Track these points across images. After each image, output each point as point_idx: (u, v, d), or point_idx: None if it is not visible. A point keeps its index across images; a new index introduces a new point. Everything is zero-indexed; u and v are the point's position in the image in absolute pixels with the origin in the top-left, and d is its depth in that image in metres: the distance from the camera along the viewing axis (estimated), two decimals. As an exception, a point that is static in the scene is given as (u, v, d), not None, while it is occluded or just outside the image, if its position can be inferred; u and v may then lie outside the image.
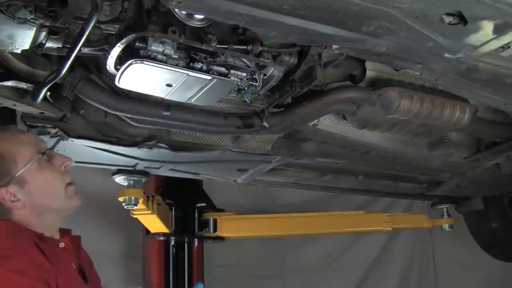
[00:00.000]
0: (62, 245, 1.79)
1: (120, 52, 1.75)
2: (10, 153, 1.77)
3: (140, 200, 3.28)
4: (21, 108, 2.06)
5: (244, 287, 4.86)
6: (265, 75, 2.04)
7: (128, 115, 2.17)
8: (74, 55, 1.70)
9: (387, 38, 1.73)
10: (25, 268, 1.58)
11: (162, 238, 4.01)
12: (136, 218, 3.60)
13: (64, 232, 1.89)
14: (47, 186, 1.80)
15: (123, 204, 3.25)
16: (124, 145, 2.40)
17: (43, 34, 1.71)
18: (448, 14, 1.57)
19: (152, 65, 1.74)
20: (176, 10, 1.69)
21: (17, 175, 1.75)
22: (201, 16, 1.72)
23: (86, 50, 1.81)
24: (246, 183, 3.19)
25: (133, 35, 1.70)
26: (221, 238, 4.16)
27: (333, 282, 5.25)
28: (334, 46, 1.94)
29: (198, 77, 1.83)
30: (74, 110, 2.19)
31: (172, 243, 4.07)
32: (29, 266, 1.59)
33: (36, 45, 1.74)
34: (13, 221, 1.75)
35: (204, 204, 4.16)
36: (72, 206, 1.87)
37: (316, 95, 2.23)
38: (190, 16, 1.71)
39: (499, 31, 1.63)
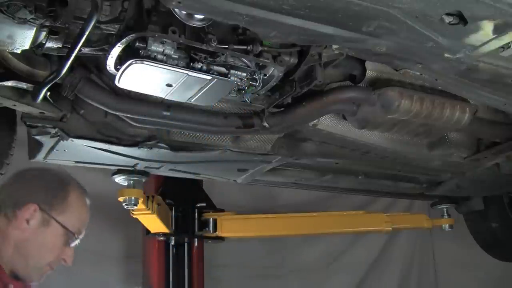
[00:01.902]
0: (11, 287, 1.76)
1: (120, 52, 1.75)
2: (71, 204, 1.83)
3: (140, 200, 3.28)
4: (21, 108, 2.06)
5: (244, 287, 4.86)
6: (265, 75, 2.04)
7: (128, 115, 2.17)
8: (74, 55, 1.70)
9: (387, 38, 1.73)
10: None
11: (162, 238, 4.01)
12: (136, 218, 3.60)
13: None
14: (45, 249, 1.79)
15: (123, 204, 3.25)
16: (124, 145, 2.40)
17: (43, 34, 1.71)
18: (448, 14, 1.57)
19: (152, 65, 1.74)
20: (177, 10, 1.69)
21: (53, 217, 1.78)
22: (201, 16, 1.72)
23: (86, 50, 1.81)
24: (246, 183, 3.19)
25: (133, 35, 1.70)
26: (221, 238, 4.16)
27: (333, 282, 5.25)
28: (334, 46, 1.94)
29: (198, 77, 1.83)
30: (74, 110, 2.19)
31: (172, 243, 4.07)
32: None
33: (36, 45, 1.74)
34: None
35: (204, 204, 4.16)
36: (32, 279, 1.82)
37: (316, 95, 2.23)
38: (190, 16, 1.71)
39: (499, 31, 1.63)
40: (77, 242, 1.86)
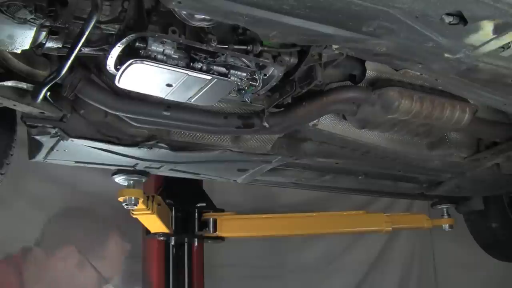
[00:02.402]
0: None
1: (120, 52, 1.75)
2: None
3: (140, 200, 3.27)
4: (21, 108, 2.06)
5: (244, 287, 4.86)
6: (265, 75, 2.04)
7: (128, 115, 2.17)
8: (74, 55, 1.70)
9: (387, 38, 1.73)
10: None
11: (162, 238, 4.01)
12: (136, 218, 3.60)
13: None
14: None
15: (123, 204, 3.25)
16: (124, 145, 2.40)
17: (43, 34, 1.71)
18: (448, 14, 1.57)
19: (152, 65, 1.74)
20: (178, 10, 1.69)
21: None
22: (204, 16, 1.72)
23: (86, 50, 1.81)
24: (246, 183, 3.19)
25: (133, 35, 1.70)
26: (221, 238, 4.15)
27: (333, 282, 5.25)
28: (334, 46, 1.94)
29: (198, 77, 1.83)
30: (74, 110, 2.19)
31: (172, 243, 4.07)
32: None
33: (36, 45, 1.74)
34: None
35: (204, 204, 4.16)
36: None
37: (316, 95, 2.23)
38: (194, 16, 1.71)
39: (499, 31, 1.63)
40: None
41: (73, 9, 1.69)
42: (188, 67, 1.80)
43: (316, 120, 2.46)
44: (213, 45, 1.79)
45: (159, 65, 1.75)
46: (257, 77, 2.00)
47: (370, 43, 1.76)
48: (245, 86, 2.01)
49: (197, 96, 1.94)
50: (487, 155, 2.93)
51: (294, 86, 2.13)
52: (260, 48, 1.91)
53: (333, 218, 4.26)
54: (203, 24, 1.75)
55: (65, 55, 1.76)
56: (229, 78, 1.89)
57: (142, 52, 1.73)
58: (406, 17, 1.58)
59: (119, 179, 3.13)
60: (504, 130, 2.78)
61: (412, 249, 5.56)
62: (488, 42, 1.69)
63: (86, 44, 1.74)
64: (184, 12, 1.69)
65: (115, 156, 2.50)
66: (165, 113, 2.14)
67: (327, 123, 2.52)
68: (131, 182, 3.15)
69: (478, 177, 3.22)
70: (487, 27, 1.62)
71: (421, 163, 2.99)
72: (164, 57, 1.75)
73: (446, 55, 1.80)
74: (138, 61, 1.72)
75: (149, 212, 3.47)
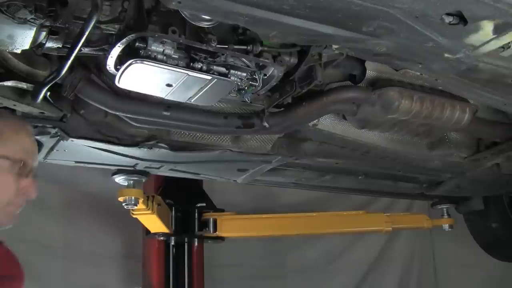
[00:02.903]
0: None
1: (120, 52, 1.75)
2: (7, 136, 1.63)
3: (140, 200, 3.28)
4: (21, 108, 2.06)
5: (244, 287, 4.86)
6: (265, 75, 2.04)
7: (128, 115, 2.17)
8: (74, 55, 1.70)
9: (387, 38, 1.73)
10: None
11: (162, 238, 4.01)
12: (136, 218, 3.60)
13: None
14: None
15: (123, 204, 3.26)
16: (124, 145, 2.40)
17: (43, 34, 1.71)
18: (448, 14, 1.57)
19: (152, 65, 1.74)
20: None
21: None
22: (207, 17, 1.72)
23: (86, 50, 1.81)
24: (246, 183, 3.19)
25: (133, 35, 1.70)
26: (221, 238, 4.16)
27: (333, 282, 5.25)
28: (334, 46, 1.94)
29: (198, 77, 1.83)
30: (74, 110, 2.19)
31: (172, 243, 4.07)
32: None
33: (36, 45, 1.74)
34: None
35: (204, 204, 4.16)
36: (4, 224, 1.63)
37: (316, 95, 2.23)
38: (196, 16, 1.71)
39: (499, 31, 1.63)
40: (31, 173, 1.67)
41: (73, 9, 1.69)
42: (188, 67, 1.80)
43: (316, 120, 2.46)
44: (213, 45, 1.79)
45: (159, 65, 1.75)
46: (257, 77, 2.00)
47: (370, 43, 1.76)
48: (245, 86, 2.01)
49: (197, 96, 1.94)
50: (487, 155, 2.93)
51: (294, 86, 2.13)
52: (260, 48, 1.91)
53: (333, 218, 4.27)
54: (209, 24, 1.75)
55: (65, 55, 1.76)
56: (229, 78, 1.89)
57: (142, 52, 1.72)
58: (406, 17, 1.58)
59: (119, 179, 3.13)
60: (504, 130, 2.78)
61: (412, 249, 5.56)
62: (488, 42, 1.69)
63: (86, 44, 1.74)
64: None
65: (115, 156, 2.50)
66: (165, 113, 2.14)
67: (327, 123, 2.52)
68: (131, 182, 3.15)
69: (478, 177, 3.22)
70: (487, 27, 1.62)
71: (421, 163, 2.99)
72: (164, 57, 1.75)
73: (446, 55, 1.80)
74: (138, 61, 1.72)
75: (149, 212, 3.47)
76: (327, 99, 2.23)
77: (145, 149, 2.45)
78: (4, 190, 1.61)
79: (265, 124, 2.30)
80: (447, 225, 4.27)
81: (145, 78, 1.80)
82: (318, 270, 5.20)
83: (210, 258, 4.43)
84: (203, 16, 1.72)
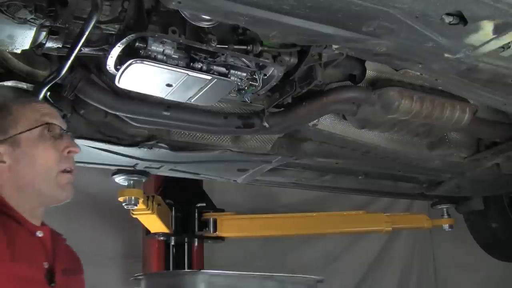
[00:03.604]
0: (39, 233, 1.57)
1: (120, 52, 1.75)
2: (17, 113, 1.60)
3: (140, 200, 3.28)
4: (21, 108, 2.06)
5: (244, 287, 4.85)
6: (265, 75, 2.04)
7: (128, 115, 2.17)
8: (74, 55, 1.70)
9: (387, 38, 1.73)
10: None
11: (162, 238, 4.01)
12: (136, 218, 3.60)
13: (52, 231, 1.67)
14: (38, 160, 1.58)
15: (123, 204, 3.26)
16: (124, 145, 2.40)
17: (43, 34, 1.71)
18: (448, 14, 1.57)
19: (152, 65, 1.74)
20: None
21: (13, 135, 1.57)
22: (208, 17, 1.72)
23: (86, 50, 1.81)
24: (246, 183, 3.19)
25: (133, 35, 1.70)
26: (221, 238, 4.16)
27: (333, 282, 5.24)
28: (334, 46, 1.94)
29: (198, 77, 1.83)
30: (74, 110, 2.19)
31: (172, 243, 4.07)
32: None
33: (36, 45, 1.74)
34: None
35: (204, 204, 4.16)
36: (59, 198, 1.62)
37: (316, 95, 2.23)
38: (197, 16, 1.71)
39: (499, 31, 1.63)
40: (59, 128, 1.64)
41: (73, 9, 1.69)
42: (188, 67, 1.80)
43: (316, 120, 2.46)
44: (213, 45, 1.79)
45: (159, 65, 1.75)
46: (257, 77, 2.00)
47: (370, 43, 1.76)
48: (245, 86, 2.01)
49: (197, 96, 1.94)
50: (487, 155, 2.93)
51: (294, 86, 2.13)
52: (260, 48, 1.91)
53: (333, 218, 4.26)
54: (209, 24, 1.75)
55: (65, 55, 1.76)
56: (229, 78, 1.89)
57: (142, 52, 1.72)
58: (406, 17, 1.58)
59: (119, 179, 3.13)
60: (504, 130, 2.78)
61: (412, 249, 5.55)
62: (488, 42, 1.69)
63: (86, 44, 1.74)
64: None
65: (115, 156, 2.50)
66: (165, 113, 2.14)
67: (327, 123, 2.52)
68: (131, 182, 3.15)
69: (478, 177, 3.22)
70: (487, 27, 1.62)
71: (421, 163, 2.99)
72: (164, 57, 1.75)
73: (446, 55, 1.80)
74: (138, 61, 1.72)
75: (149, 212, 3.47)
76: (327, 99, 2.23)
77: (145, 149, 2.44)
78: (47, 160, 1.58)
79: (265, 124, 2.30)
80: (447, 225, 4.27)
81: (145, 78, 1.80)
82: (318, 270, 5.19)
83: (210, 258, 4.42)
84: (203, 16, 1.72)
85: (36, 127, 1.59)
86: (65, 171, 1.61)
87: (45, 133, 1.60)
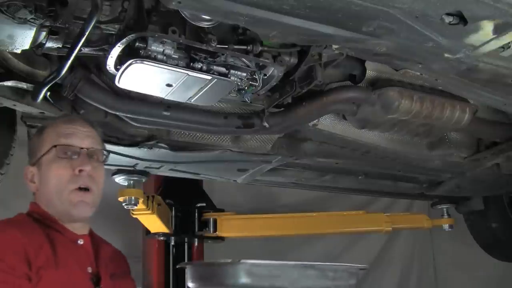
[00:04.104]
0: (80, 241, 1.70)
1: (120, 52, 1.75)
2: (45, 135, 1.75)
3: (140, 200, 3.28)
4: (21, 108, 2.06)
5: (244, 287, 4.85)
6: (265, 75, 2.04)
7: (128, 115, 2.17)
8: (74, 55, 1.70)
9: (387, 38, 1.73)
10: None
11: (162, 238, 4.01)
12: (136, 218, 3.60)
13: (96, 237, 1.81)
14: (51, 180, 1.71)
15: (123, 204, 3.26)
16: (124, 145, 2.40)
17: (43, 34, 1.71)
18: (448, 14, 1.57)
19: (152, 65, 1.74)
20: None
21: (38, 158, 1.73)
22: (207, 17, 1.72)
23: (86, 50, 1.81)
24: (246, 183, 3.19)
25: (133, 35, 1.70)
26: (221, 238, 4.16)
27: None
28: (334, 46, 1.94)
29: (198, 77, 1.83)
30: (74, 110, 2.19)
31: (172, 243, 4.07)
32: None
33: (36, 45, 1.74)
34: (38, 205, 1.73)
35: (204, 204, 4.15)
36: (72, 215, 1.71)
37: (316, 95, 2.23)
38: (197, 16, 1.71)
39: (499, 31, 1.63)
40: (78, 147, 1.74)
41: (73, 9, 1.69)
42: (188, 67, 1.80)
43: (316, 120, 2.46)
44: (213, 45, 1.79)
45: (159, 65, 1.75)
46: (257, 77, 2.00)
47: (370, 43, 1.76)
48: (245, 86, 2.01)
49: (197, 96, 1.94)
50: (487, 155, 2.93)
51: (294, 86, 2.12)
52: (260, 48, 1.91)
53: (333, 218, 4.26)
54: (209, 24, 1.75)
55: (65, 55, 1.76)
56: (229, 78, 1.89)
57: (142, 52, 1.72)
58: (406, 17, 1.58)
59: (119, 179, 3.13)
60: (504, 130, 2.78)
61: (412, 249, 5.55)
62: (488, 42, 1.69)
63: (86, 44, 1.74)
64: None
65: (115, 156, 2.50)
66: (165, 113, 2.14)
67: (327, 123, 2.52)
68: (131, 182, 3.15)
69: (478, 177, 3.21)
70: (487, 27, 1.62)
71: (421, 163, 2.99)
72: (164, 57, 1.75)
73: (446, 55, 1.80)
74: (138, 61, 1.72)
75: (149, 212, 3.47)
76: (327, 99, 2.23)
77: (145, 149, 2.45)
78: (59, 179, 1.70)
79: (265, 124, 2.30)
80: (447, 225, 4.27)
81: (145, 78, 1.80)
82: (318, 270, 5.19)
83: (210, 258, 4.42)
84: (203, 16, 1.72)
85: (48, 150, 1.72)
86: (78, 189, 1.71)
87: (60, 154, 1.72)
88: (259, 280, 1.66)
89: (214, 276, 1.78)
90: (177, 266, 2.27)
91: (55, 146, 1.72)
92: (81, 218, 1.73)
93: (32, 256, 1.54)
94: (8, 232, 1.59)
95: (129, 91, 1.97)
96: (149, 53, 1.73)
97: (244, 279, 1.65)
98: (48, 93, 1.97)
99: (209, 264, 2.05)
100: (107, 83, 2.04)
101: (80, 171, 1.71)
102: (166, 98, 1.96)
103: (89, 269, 1.67)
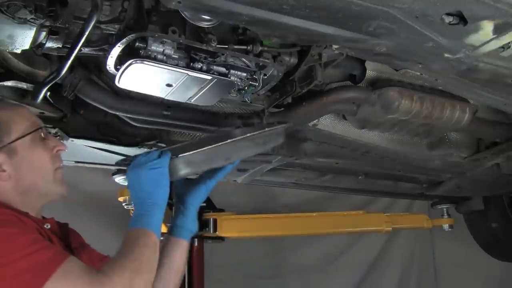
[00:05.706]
0: (47, 226, 1.68)
1: (120, 52, 1.75)
2: (6, 121, 1.64)
3: (140, 200, 3.26)
4: (21, 108, 2.06)
5: (244, 287, 4.86)
6: (265, 75, 2.03)
7: (128, 115, 2.17)
8: (74, 55, 1.70)
9: (387, 38, 1.73)
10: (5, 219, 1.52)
11: (162, 238, 4.00)
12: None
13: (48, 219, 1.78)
14: (36, 163, 1.65)
15: (123, 204, 3.26)
16: (124, 145, 2.40)
17: (43, 34, 1.71)
18: (448, 14, 1.57)
19: (152, 65, 1.74)
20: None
21: (8, 144, 1.61)
22: (207, 17, 1.72)
23: (86, 50, 1.81)
24: (246, 183, 3.19)
25: (133, 35, 1.70)
26: (221, 238, 4.15)
27: (333, 282, 5.25)
28: (334, 46, 1.94)
29: (198, 77, 1.83)
30: (74, 110, 2.19)
31: (172, 243, 4.06)
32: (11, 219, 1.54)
33: (36, 45, 1.74)
34: None
35: (204, 204, 4.15)
36: (57, 192, 1.71)
37: (316, 95, 2.23)
38: (197, 16, 1.71)
39: (499, 31, 1.63)
40: (44, 132, 1.72)
41: (73, 9, 1.69)
42: (188, 67, 1.80)
43: (316, 120, 2.46)
44: (213, 45, 1.79)
45: (159, 65, 1.74)
46: (257, 77, 2.00)
47: (370, 43, 1.76)
48: (245, 86, 2.01)
49: (197, 96, 1.94)
50: (487, 155, 2.93)
51: (294, 86, 2.12)
52: (260, 48, 1.90)
53: (333, 218, 4.27)
54: (209, 24, 1.75)
55: (65, 55, 1.76)
56: (229, 78, 1.89)
57: (142, 52, 1.72)
58: (406, 17, 1.58)
59: (119, 179, 3.13)
60: (504, 130, 2.78)
61: (412, 249, 5.56)
62: (488, 42, 1.69)
63: (86, 44, 1.74)
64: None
65: (115, 156, 2.50)
66: (165, 113, 2.14)
67: (327, 123, 2.52)
68: (131, 182, 3.14)
69: (478, 177, 3.21)
70: (487, 27, 1.62)
71: (421, 163, 2.99)
72: (164, 57, 1.75)
73: (446, 55, 1.80)
74: (138, 61, 1.72)
75: (149, 212, 3.46)
76: (327, 99, 2.23)
77: (145, 149, 2.44)
78: (44, 161, 1.68)
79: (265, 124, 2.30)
80: (447, 225, 4.28)
81: (145, 78, 1.80)
82: (318, 270, 5.20)
83: (210, 258, 4.42)
84: (203, 16, 1.72)
85: (31, 132, 1.66)
86: (58, 168, 1.72)
87: (36, 137, 1.68)
88: (198, 166, 1.68)
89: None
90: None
91: (40, 128, 1.68)
92: (64, 193, 1.74)
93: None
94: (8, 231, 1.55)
95: (129, 91, 1.97)
96: (149, 53, 1.73)
97: (183, 171, 1.65)
98: (48, 93, 1.97)
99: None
100: (107, 83, 2.04)
101: (58, 151, 1.72)
102: (166, 98, 1.96)
103: (62, 245, 1.70)
